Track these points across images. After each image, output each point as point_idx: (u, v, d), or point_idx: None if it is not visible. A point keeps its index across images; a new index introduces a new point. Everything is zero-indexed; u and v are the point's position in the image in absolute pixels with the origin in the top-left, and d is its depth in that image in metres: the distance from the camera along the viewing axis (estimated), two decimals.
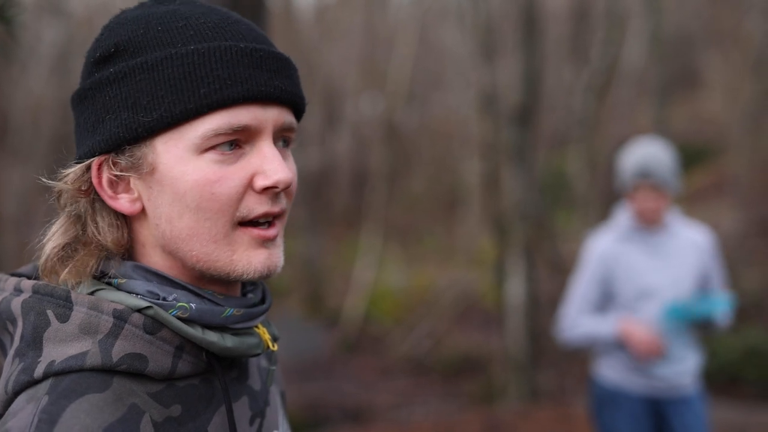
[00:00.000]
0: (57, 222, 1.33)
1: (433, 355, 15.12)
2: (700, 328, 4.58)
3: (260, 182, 1.28)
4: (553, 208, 16.76)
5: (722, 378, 10.28)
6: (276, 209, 1.31)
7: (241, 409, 1.38)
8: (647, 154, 4.56)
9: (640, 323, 4.48)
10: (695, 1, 22.75)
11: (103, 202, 1.32)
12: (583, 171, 14.07)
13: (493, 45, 13.14)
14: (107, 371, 1.22)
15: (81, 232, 1.31)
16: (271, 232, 1.32)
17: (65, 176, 1.32)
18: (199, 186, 1.25)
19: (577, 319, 4.72)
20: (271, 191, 1.29)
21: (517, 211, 11.67)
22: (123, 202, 1.30)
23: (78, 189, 1.30)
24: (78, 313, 1.24)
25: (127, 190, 1.31)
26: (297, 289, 19.34)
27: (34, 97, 19.73)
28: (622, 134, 16.09)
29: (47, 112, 19.50)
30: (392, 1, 25.73)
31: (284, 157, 1.35)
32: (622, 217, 4.77)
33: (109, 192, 1.30)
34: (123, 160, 1.28)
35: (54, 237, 1.31)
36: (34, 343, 1.23)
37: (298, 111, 1.38)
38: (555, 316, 5.05)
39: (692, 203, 15.52)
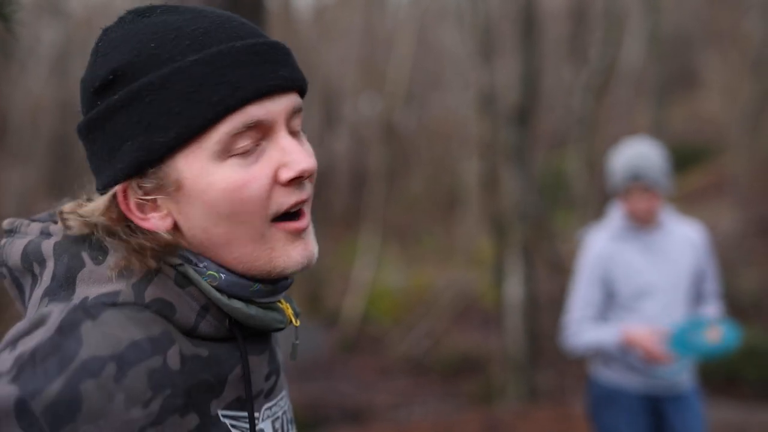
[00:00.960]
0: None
1: (432, 355, 15.12)
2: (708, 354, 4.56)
3: (285, 175, 1.28)
4: (552, 208, 16.76)
5: (721, 377, 10.28)
6: (304, 196, 1.32)
7: (260, 365, 1.40)
8: (637, 155, 4.55)
9: (643, 329, 4.46)
10: (694, 1, 22.77)
11: (127, 228, 1.31)
12: (582, 171, 14.07)
13: (492, 45, 13.15)
14: (141, 306, 1.24)
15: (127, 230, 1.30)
16: (303, 222, 1.33)
17: (94, 210, 1.31)
18: (228, 193, 1.26)
19: (582, 325, 4.70)
20: (297, 181, 1.30)
21: (516, 211, 11.68)
22: (155, 221, 1.30)
23: (110, 219, 1.30)
24: (113, 258, 1.26)
25: (155, 209, 1.31)
26: (296, 289, 19.18)
27: (33, 98, 19.73)
28: (620, 134, 16.05)
29: (46, 112, 19.52)
30: (391, 2, 25.75)
31: (301, 143, 1.35)
32: (616, 216, 4.76)
33: (139, 215, 1.30)
34: (147, 183, 1.28)
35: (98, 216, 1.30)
36: (66, 282, 1.25)
37: (302, 92, 1.39)
38: (554, 316, 5.06)
39: (691, 203, 15.52)
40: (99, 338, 1.16)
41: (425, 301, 17.49)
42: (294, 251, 1.32)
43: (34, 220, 1.39)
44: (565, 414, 9.39)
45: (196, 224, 1.29)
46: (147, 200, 1.29)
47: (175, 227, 1.32)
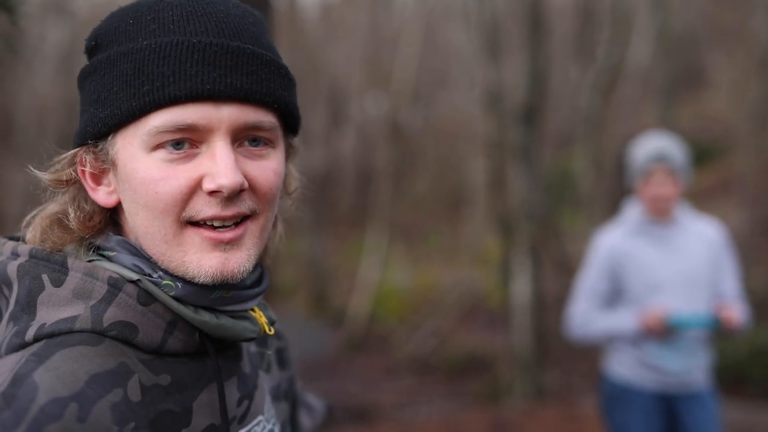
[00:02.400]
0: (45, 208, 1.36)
1: (438, 354, 15.10)
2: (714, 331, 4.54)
3: (205, 185, 1.24)
4: (558, 207, 16.74)
5: (729, 377, 10.24)
6: (228, 213, 1.26)
7: (230, 389, 1.37)
8: (662, 141, 4.62)
9: (653, 309, 4.47)
10: (701, 0, 22.72)
11: (79, 191, 1.34)
12: (589, 170, 14.05)
13: (499, 44, 13.13)
14: (98, 334, 1.21)
15: (63, 215, 1.32)
16: (225, 235, 1.27)
17: (55, 164, 1.35)
18: (144, 184, 1.24)
19: (589, 315, 4.71)
20: (218, 195, 1.24)
21: (522, 210, 11.66)
22: (100, 194, 1.32)
23: (60, 179, 1.33)
24: (73, 279, 1.24)
25: (106, 183, 1.32)
26: (302, 289, 19.36)
27: (38, 97, 19.78)
28: (627, 133, 16.05)
29: (52, 112, 19.55)
30: (397, 0, 25.73)
31: (256, 157, 1.30)
32: (632, 212, 4.77)
33: (91, 183, 1.32)
34: (91, 155, 1.30)
35: (41, 213, 1.35)
36: (28, 306, 1.24)
37: (285, 110, 1.33)
38: (561, 315, 5.05)
39: (698, 202, 15.44)
40: (54, 380, 1.12)
41: (431, 300, 17.49)
42: (207, 261, 1.26)
43: (11, 238, 1.38)
44: (572, 413, 9.37)
45: (128, 208, 1.29)
46: (106, 171, 1.31)
47: (120, 208, 1.32)
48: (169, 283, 1.26)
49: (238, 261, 1.28)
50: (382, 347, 16.19)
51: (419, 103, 23.50)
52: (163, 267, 1.28)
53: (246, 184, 1.26)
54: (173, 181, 1.23)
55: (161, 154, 1.23)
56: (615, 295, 4.75)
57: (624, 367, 4.70)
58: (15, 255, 1.30)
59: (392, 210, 20.09)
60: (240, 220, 1.28)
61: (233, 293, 1.32)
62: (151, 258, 1.29)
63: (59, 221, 1.31)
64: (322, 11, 26.19)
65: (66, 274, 1.24)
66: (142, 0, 1.31)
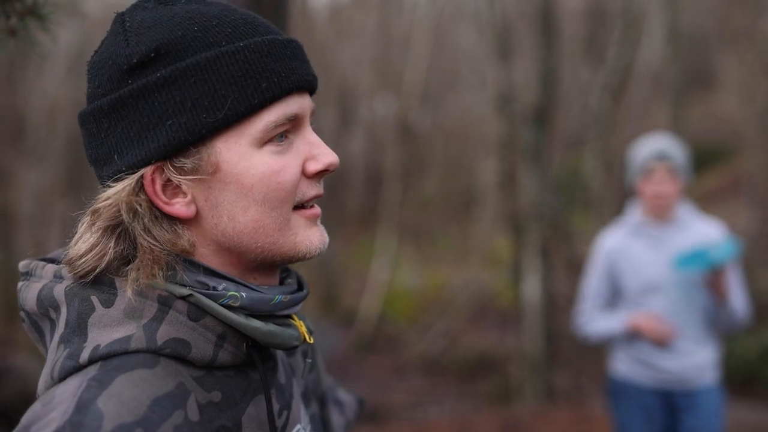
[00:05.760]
0: (91, 236, 1.28)
1: (448, 354, 15.11)
2: (712, 273, 4.43)
3: (313, 167, 1.35)
4: (569, 207, 16.73)
5: (738, 378, 10.24)
6: (322, 189, 1.39)
7: (273, 401, 1.39)
8: (663, 141, 4.67)
9: (647, 314, 4.54)
10: (711, 1, 22.68)
11: (153, 212, 1.29)
12: (599, 171, 14.03)
13: (509, 45, 13.13)
14: (152, 353, 1.23)
15: (126, 247, 1.28)
16: (318, 210, 1.40)
17: (118, 192, 1.27)
18: (266, 177, 1.29)
19: (592, 314, 4.81)
20: (321, 174, 1.37)
21: (533, 211, 11.67)
22: (179, 207, 1.30)
23: (130, 201, 1.27)
24: (122, 299, 1.25)
25: (180, 194, 1.30)
26: (312, 289, 19.23)
27: (50, 98, 19.79)
28: (637, 134, 16.04)
29: (63, 113, 19.56)
30: (407, 1, 25.71)
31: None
32: (633, 213, 4.83)
33: (164, 198, 1.29)
34: (186, 164, 1.27)
35: (92, 252, 1.27)
36: (79, 328, 1.24)
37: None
38: (571, 316, 5.12)
39: (707, 203, 15.47)
40: (119, 406, 1.13)
41: (441, 300, 17.49)
42: (314, 236, 1.38)
43: (49, 260, 1.37)
44: (582, 414, 9.38)
45: (224, 211, 1.29)
46: (169, 183, 1.28)
47: (197, 218, 1.31)
48: (234, 293, 1.29)
49: (325, 232, 1.43)
50: (392, 348, 16.20)
51: (429, 104, 23.49)
52: (265, 256, 1.34)
53: None
54: (290, 170, 1.32)
55: (271, 147, 1.30)
56: (615, 295, 4.82)
57: (623, 364, 4.77)
58: (59, 278, 1.30)
59: (402, 211, 20.09)
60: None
61: (290, 297, 1.37)
62: (248, 254, 1.33)
63: (150, 250, 1.27)
64: (332, 12, 26.18)
65: (115, 294, 1.25)
66: (177, 12, 1.30)
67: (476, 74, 20.10)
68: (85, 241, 1.28)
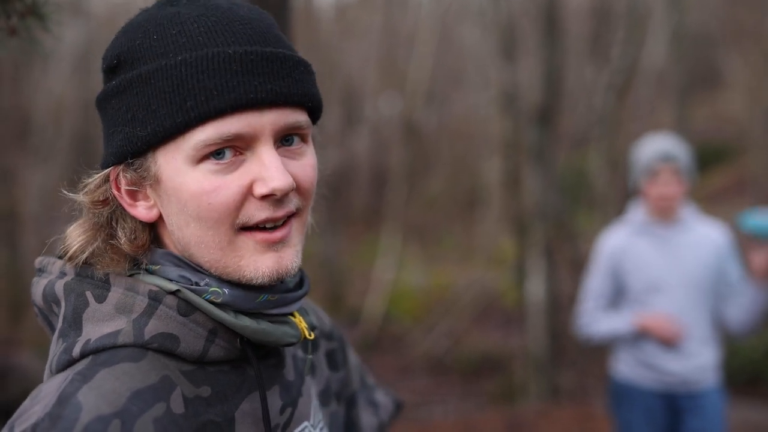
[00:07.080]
0: (78, 226, 1.36)
1: (452, 354, 15.10)
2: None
3: (258, 190, 1.27)
4: (573, 207, 16.71)
5: (743, 377, 10.23)
6: (280, 213, 1.30)
7: (272, 398, 1.39)
8: (668, 141, 4.67)
9: (655, 314, 4.52)
10: (715, 1, 22.63)
11: (123, 210, 1.34)
12: (604, 170, 14.01)
13: (514, 44, 13.11)
14: (140, 347, 1.24)
15: (105, 239, 1.33)
16: (276, 234, 1.31)
17: (87, 185, 1.34)
18: (196, 197, 1.26)
19: (595, 315, 4.78)
20: (271, 198, 1.28)
21: (537, 211, 11.66)
22: (140, 210, 1.33)
23: (97, 199, 1.33)
24: (115, 294, 1.27)
25: (145, 197, 1.33)
26: (316, 289, 19.33)
27: (55, 98, 19.82)
28: (642, 133, 16.02)
29: (68, 112, 19.60)
30: (412, 0, 25.70)
31: (295, 155, 1.33)
32: (636, 213, 4.81)
33: (128, 200, 1.33)
34: (130, 173, 1.30)
35: (78, 242, 1.34)
36: (74, 323, 1.27)
37: (316, 106, 1.36)
38: (575, 316, 5.11)
39: (713, 202, 15.45)
40: (98, 399, 1.14)
41: (446, 300, 17.47)
42: (263, 262, 1.30)
43: (61, 256, 1.39)
44: (587, 413, 9.37)
45: (173, 221, 1.30)
46: (132, 190, 1.32)
47: (163, 222, 1.34)
48: (216, 289, 1.29)
49: (290, 257, 1.32)
50: (397, 347, 16.19)
51: (434, 104, 23.45)
52: (217, 273, 1.31)
53: (295, 185, 1.30)
54: (225, 191, 1.26)
55: (208, 165, 1.25)
56: (618, 295, 4.81)
57: (626, 366, 4.75)
58: (63, 274, 1.33)
59: (407, 210, 20.07)
60: (280, 223, 1.32)
61: (278, 296, 1.36)
62: (202, 266, 1.32)
63: (112, 246, 1.32)
64: (337, 11, 26.16)
65: (108, 290, 1.28)
66: (154, 15, 1.32)
67: (481, 73, 20.06)
68: (71, 232, 1.35)
